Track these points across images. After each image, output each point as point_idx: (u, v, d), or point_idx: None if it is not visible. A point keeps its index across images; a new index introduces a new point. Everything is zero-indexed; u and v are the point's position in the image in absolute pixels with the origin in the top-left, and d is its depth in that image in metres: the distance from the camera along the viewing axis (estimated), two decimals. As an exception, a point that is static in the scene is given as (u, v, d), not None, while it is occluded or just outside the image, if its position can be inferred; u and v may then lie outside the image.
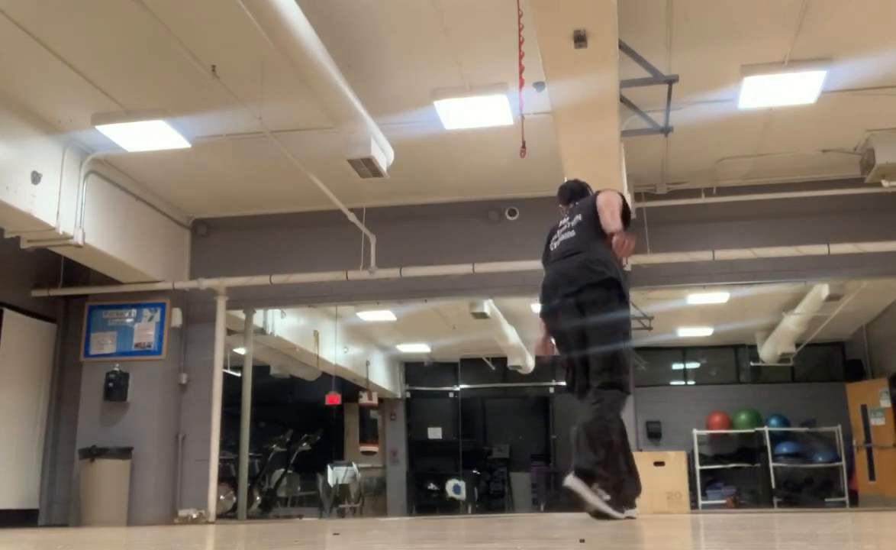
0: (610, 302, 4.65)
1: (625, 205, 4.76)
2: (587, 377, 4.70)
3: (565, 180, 5.56)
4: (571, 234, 4.85)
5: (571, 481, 4.36)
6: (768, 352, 13.99)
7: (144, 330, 9.36)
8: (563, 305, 4.73)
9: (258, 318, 10.40)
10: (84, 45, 6.32)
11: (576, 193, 5.19)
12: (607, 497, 4.35)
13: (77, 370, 9.42)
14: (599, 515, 4.30)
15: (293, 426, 12.34)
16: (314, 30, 5.62)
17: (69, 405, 9.42)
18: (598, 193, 4.89)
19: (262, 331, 10.62)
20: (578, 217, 4.88)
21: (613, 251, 4.55)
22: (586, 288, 4.65)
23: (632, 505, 4.62)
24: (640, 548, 2.65)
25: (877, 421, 12.59)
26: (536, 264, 8.76)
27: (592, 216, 4.75)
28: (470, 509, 15.19)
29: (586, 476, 4.36)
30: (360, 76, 6.62)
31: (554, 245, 4.98)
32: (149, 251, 9.04)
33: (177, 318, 9.42)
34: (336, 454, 15.49)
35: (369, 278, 8.98)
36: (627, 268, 4.40)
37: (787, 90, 6.89)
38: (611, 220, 4.58)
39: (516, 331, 13.35)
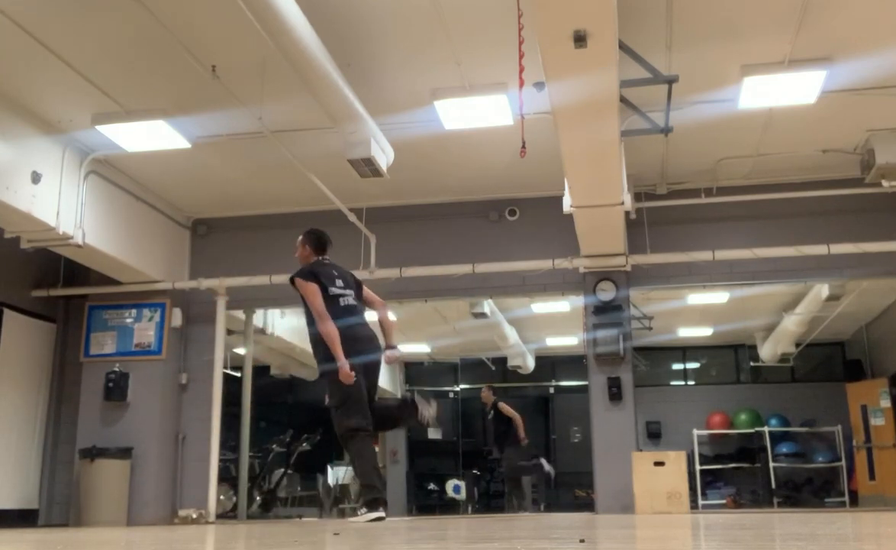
0: None
1: None
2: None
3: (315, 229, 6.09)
4: (355, 304, 5.78)
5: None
6: (768, 352, 13.99)
7: (144, 330, 9.36)
8: (377, 362, 5.97)
9: (258, 318, 10.40)
10: (84, 45, 6.32)
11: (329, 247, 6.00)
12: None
13: (77, 370, 9.41)
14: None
15: (293, 426, 12.32)
16: (314, 30, 5.63)
17: (69, 405, 9.41)
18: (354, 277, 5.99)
19: (262, 331, 10.62)
20: (352, 292, 5.80)
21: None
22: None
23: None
24: (641, 548, 2.65)
25: (877, 421, 12.58)
26: (536, 264, 8.90)
27: (360, 297, 5.89)
28: (470, 509, 15.16)
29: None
30: (360, 76, 6.62)
31: (335, 293, 5.68)
32: (149, 251, 9.04)
33: (177, 318, 9.41)
34: (336, 455, 15.46)
35: (369, 278, 8.97)
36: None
37: (787, 90, 6.89)
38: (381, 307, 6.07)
39: (516, 331, 13.34)
